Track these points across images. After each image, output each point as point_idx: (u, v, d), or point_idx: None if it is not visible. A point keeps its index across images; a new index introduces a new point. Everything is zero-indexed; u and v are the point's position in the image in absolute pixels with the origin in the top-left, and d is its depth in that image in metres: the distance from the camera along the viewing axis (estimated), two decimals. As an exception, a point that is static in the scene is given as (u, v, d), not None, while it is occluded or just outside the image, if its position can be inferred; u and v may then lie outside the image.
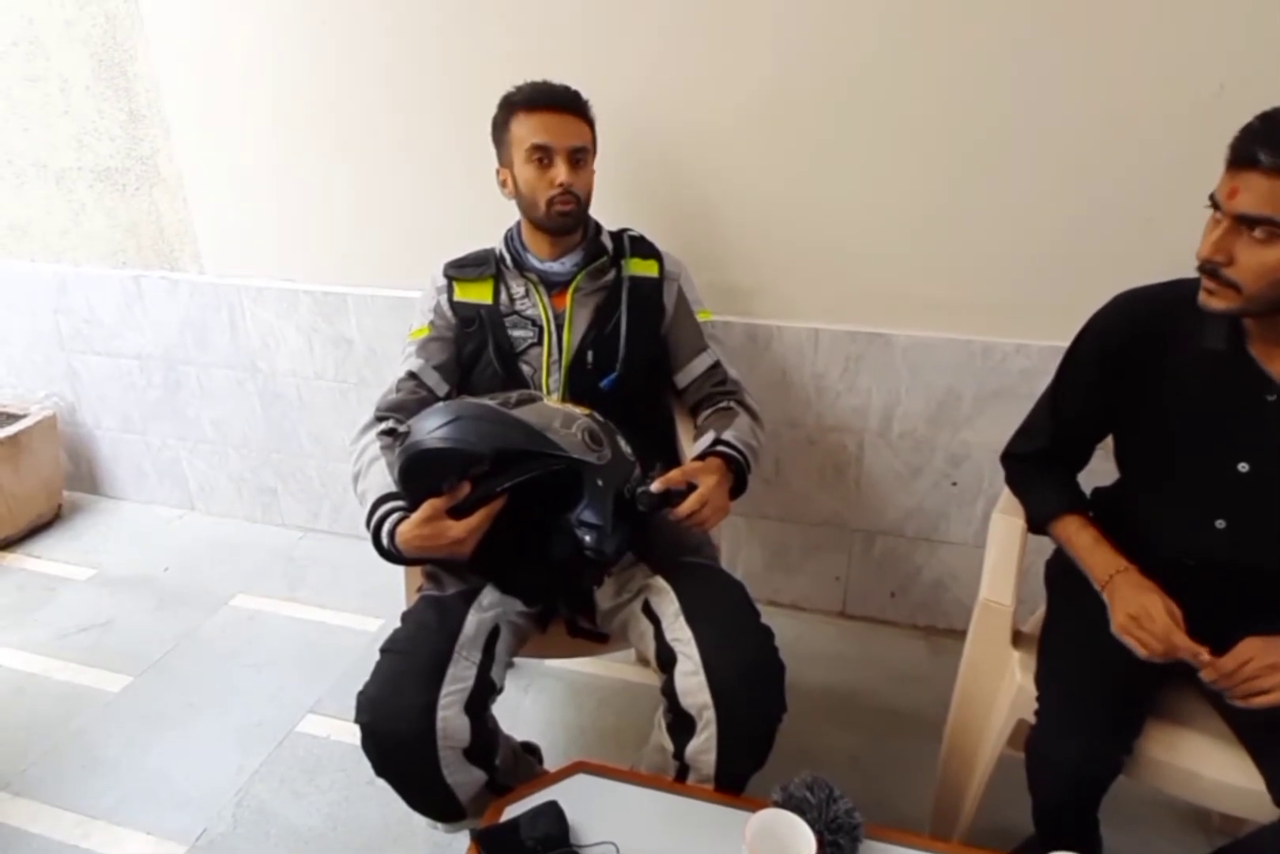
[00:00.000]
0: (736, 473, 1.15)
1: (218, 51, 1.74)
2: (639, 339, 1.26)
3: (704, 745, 0.99)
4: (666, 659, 1.03)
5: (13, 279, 2.16)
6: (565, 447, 0.95)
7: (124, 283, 2.06)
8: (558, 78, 1.24)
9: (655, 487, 1.02)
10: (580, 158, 1.21)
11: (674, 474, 1.05)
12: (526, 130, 1.19)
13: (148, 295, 2.05)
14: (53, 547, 2.18)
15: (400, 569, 1.21)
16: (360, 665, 1.02)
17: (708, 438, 1.19)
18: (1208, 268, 0.87)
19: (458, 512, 0.97)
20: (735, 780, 1.02)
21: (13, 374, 2.29)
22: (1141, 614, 0.93)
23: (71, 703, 1.63)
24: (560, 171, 1.18)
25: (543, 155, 1.19)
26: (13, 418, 2.19)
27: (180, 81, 1.79)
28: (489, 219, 1.34)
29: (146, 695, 1.65)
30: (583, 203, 1.23)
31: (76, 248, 2.07)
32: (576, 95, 1.22)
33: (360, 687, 1.01)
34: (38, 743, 1.53)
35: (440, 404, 0.99)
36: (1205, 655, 0.90)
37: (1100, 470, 1.16)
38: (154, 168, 1.90)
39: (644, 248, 1.32)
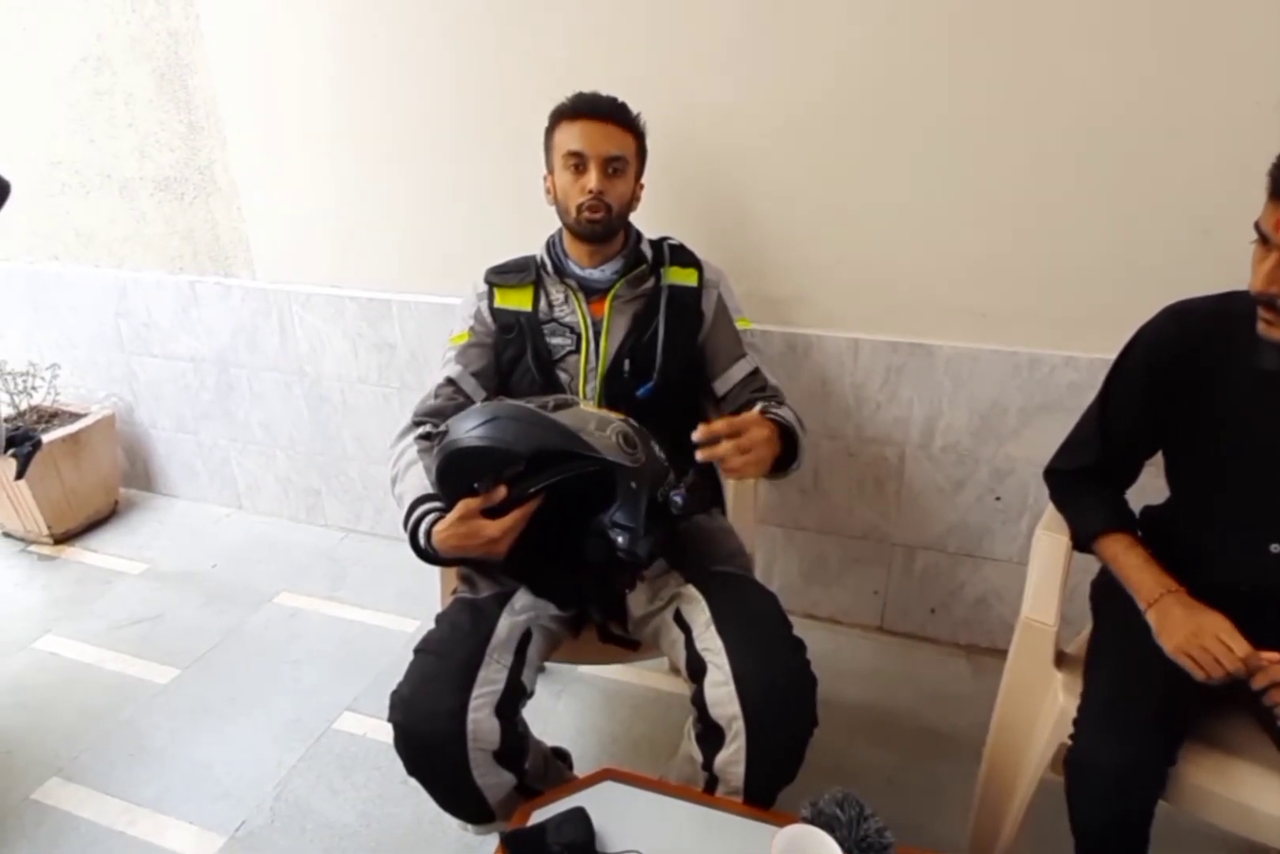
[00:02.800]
0: (785, 444, 1.09)
1: (273, 66, 1.79)
2: (676, 348, 1.25)
3: (733, 757, 0.98)
4: (697, 669, 1.03)
5: (78, 283, 2.25)
6: (599, 448, 0.95)
7: (180, 288, 2.13)
8: (606, 90, 1.25)
9: (696, 434, 0.96)
10: (617, 167, 1.21)
11: (719, 424, 0.97)
12: (565, 137, 1.21)
13: (203, 300, 2.12)
14: (109, 541, 2.26)
15: (437, 571, 1.22)
16: (397, 665, 1.04)
17: (755, 410, 1.14)
18: (1263, 300, 0.83)
19: (493, 513, 0.98)
20: (764, 794, 1.01)
21: (77, 374, 2.39)
22: (1203, 632, 0.89)
23: (122, 693, 1.68)
24: (592, 178, 1.19)
25: (578, 162, 1.20)
26: (75, 417, 2.28)
27: (237, 95, 1.86)
28: (532, 228, 1.36)
29: (192, 688, 1.70)
30: (614, 212, 1.22)
31: (137, 254, 2.16)
32: (621, 106, 1.23)
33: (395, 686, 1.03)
34: (89, 731, 1.58)
35: (478, 405, 1.00)
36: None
37: (1151, 487, 1.13)
38: (211, 178, 1.97)
39: (684, 256, 1.32)
